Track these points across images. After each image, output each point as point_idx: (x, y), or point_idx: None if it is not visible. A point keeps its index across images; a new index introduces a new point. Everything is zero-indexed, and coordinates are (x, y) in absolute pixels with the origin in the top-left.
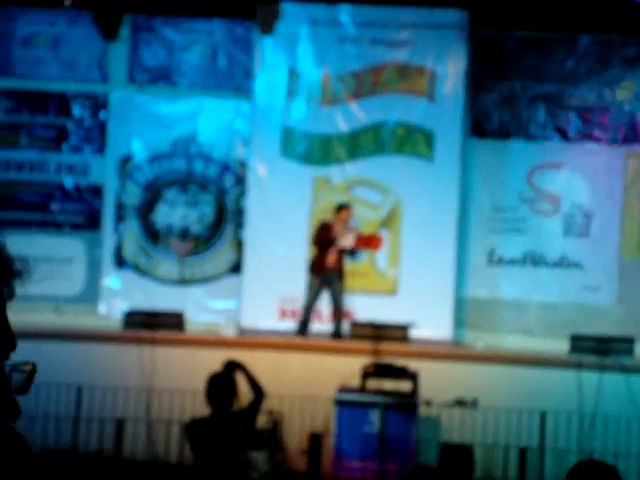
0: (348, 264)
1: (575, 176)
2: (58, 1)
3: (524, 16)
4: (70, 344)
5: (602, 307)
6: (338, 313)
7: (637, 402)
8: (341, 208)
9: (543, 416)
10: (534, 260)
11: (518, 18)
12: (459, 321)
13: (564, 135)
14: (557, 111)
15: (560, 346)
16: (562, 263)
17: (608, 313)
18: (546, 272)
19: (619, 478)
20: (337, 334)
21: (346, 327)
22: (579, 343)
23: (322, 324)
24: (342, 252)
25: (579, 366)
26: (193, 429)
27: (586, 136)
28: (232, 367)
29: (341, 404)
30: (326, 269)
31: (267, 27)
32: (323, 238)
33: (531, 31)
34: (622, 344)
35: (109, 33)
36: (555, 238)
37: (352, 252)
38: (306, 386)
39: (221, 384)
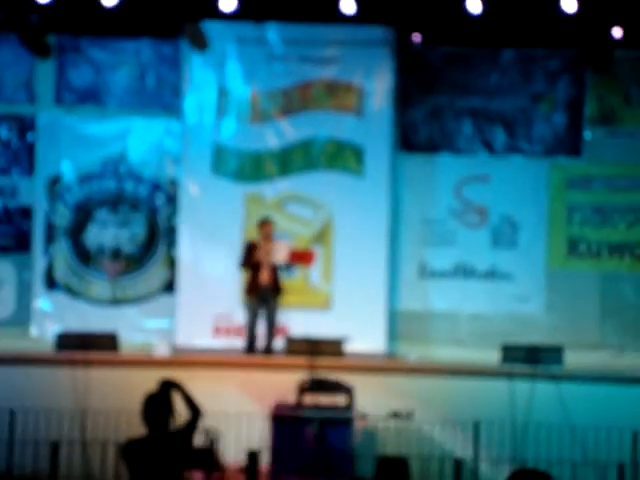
0: (282, 280)
1: (502, 188)
2: None
3: (449, 32)
4: (2, 367)
5: (531, 317)
6: (271, 330)
7: (568, 410)
8: (263, 223)
9: (477, 426)
10: (464, 272)
11: (443, 34)
12: (392, 334)
13: (490, 148)
14: (483, 124)
15: (491, 356)
16: (491, 274)
17: (537, 322)
18: (476, 283)
19: None
20: (268, 350)
21: (281, 343)
22: (510, 353)
23: (257, 341)
24: (275, 269)
25: (510, 375)
26: (129, 450)
27: (511, 148)
28: (168, 386)
29: (277, 420)
30: (260, 288)
31: (196, 46)
32: (251, 258)
33: (456, 46)
34: (551, 353)
35: (37, 53)
36: (484, 250)
37: (287, 267)
38: (242, 403)
39: (157, 404)
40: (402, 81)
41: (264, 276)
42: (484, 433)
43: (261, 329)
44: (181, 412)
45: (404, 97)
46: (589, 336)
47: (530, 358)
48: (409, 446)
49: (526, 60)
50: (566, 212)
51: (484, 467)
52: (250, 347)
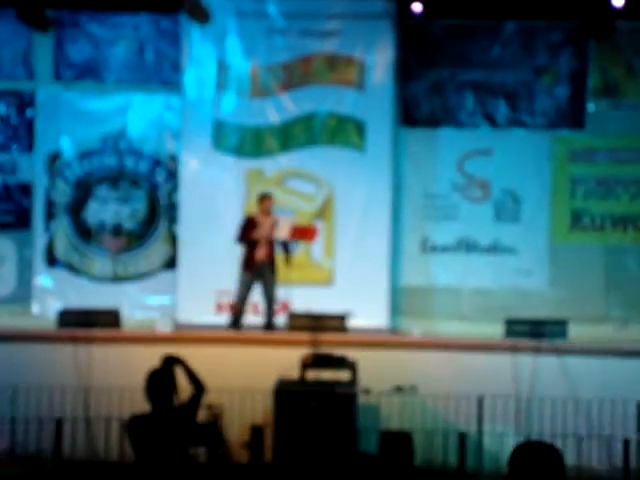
0: (283, 256)
1: (504, 162)
2: None
3: (450, 4)
4: (4, 345)
5: (535, 291)
6: (270, 305)
7: (572, 383)
8: (262, 198)
9: (480, 400)
10: (467, 246)
11: (444, 6)
12: (395, 309)
13: (493, 121)
14: (485, 98)
15: (495, 330)
16: (494, 248)
17: (541, 296)
18: (479, 258)
19: (559, 456)
20: (269, 326)
21: (283, 319)
22: (513, 327)
23: (258, 317)
24: (272, 244)
25: (514, 349)
26: (133, 426)
27: (514, 122)
28: (171, 362)
29: (281, 396)
30: (257, 263)
31: (195, 19)
32: (249, 233)
33: (457, 19)
34: (555, 326)
35: (36, 26)
36: (487, 224)
37: (285, 245)
38: (246, 379)
39: (160, 380)
40: (403, 54)
41: (261, 251)
42: (488, 407)
43: (262, 305)
44: (184, 388)
45: (405, 71)
46: (593, 309)
47: (534, 332)
48: (413, 421)
49: (528, 32)
50: (569, 185)
51: (488, 441)
52: (236, 322)
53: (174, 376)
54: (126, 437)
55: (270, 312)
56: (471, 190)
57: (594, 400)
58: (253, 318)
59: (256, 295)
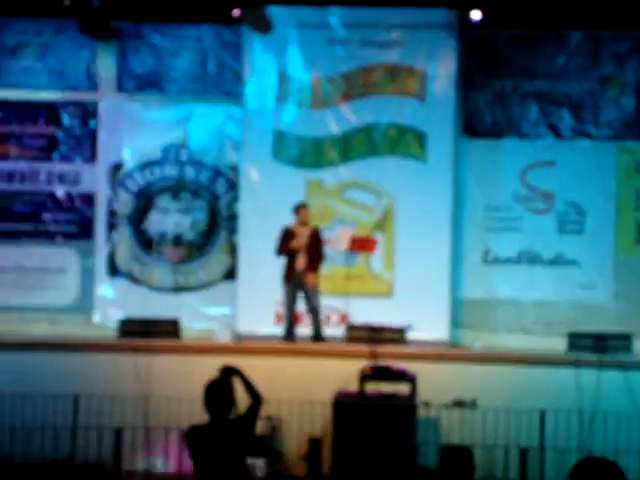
0: (343, 267)
1: (568, 173)
2: (45, 10)
3: (513, 14)
4: (65, 354)
5: (598, 304)
6: (315, 316)
7: (636, 398)
8: (299, 208)
9: (542, 415)
10: (529, 258)
11: (507, 16)
12: (456, 322)
13: (556, 132)
14: (549, 108)
15: (557, 344)
16: (557, 261)
17: (605, 310)
18: (541, 270)
19: (621, 473)
20: (317, 336)
21: (342, 330)
22: (576, 341)
23: (307, 328)
24: (312, 254)
25: (577, 364)
26: (192, 436)
27: (579, 133)
28: (229, 373)
29: (340, 408)
30: (296, 274)
31: (257, 31)
32: (287, 244)
33: (521, 29)
34: (620, 341)
35: (99, 37)
36: (550, 236)
37: (348, 254)
38: (304, 391)
39: (218, 390)
40: (465, 65)
41: (300, 261)
42: (550, 422)
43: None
44: (243, 398)
45: (467, 81)
46: None
47: (597, 346)
48: (473, 435)
49: (593, 42)
50: (634, 197)
51: (550, 456)
52: (288, 333)
53: (232, 387)
54: (185, 447)
55: (316, 323)
56: (534, 202)
57: None
58: (307, 329)
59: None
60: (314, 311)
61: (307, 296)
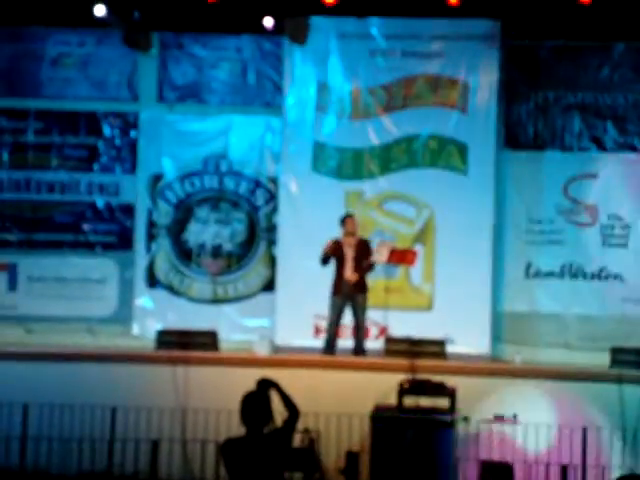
0: (382, 280)
1: (612, 186)
2: (87, 21)
3: (557, 25)
4: (104, 365)
5: None
6: (359, 329)
7: None
8: (345, 219)
9: (584, 432)
10: (572, 272)
11: (551, 27)
12: (497, 336)
13: (600, 145)
14: (593, 120)
15: (600, 359)
16: (601, 275)
17: None
18: (584, 284)
19: None
20: (359, 350)
21: (381, 343)
22: (620, 356)
23: (350, 341)
24: (361, 266)
25: (620, 380)
26: (228, 449)
27: (623, 145)
28: (266, 385)
29: (378, 422)
30: (345, 286)
31: (297, 41)
32: (331, 254)
33: (564, 40)
34: None
35: (138, 51)
36: (593, 249)
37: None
38: (342, 404)
39: (255, 403)
40: (508, 76)
41: (348, 272)
42: (592, 439)
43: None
44: (280, 412)
45: (509, 92)
46: None
47: None
48: (514, 451)
49: (638, 53)
50: None
51: (592, 473)
52: (329, 346)
53: (269, 400)
54: (221, 460)
55: (360, 336)
56: (577, 215)
57: None
58: (346, 342)
59: (348, 318)
60: (361, 326)
61: (356, 308)
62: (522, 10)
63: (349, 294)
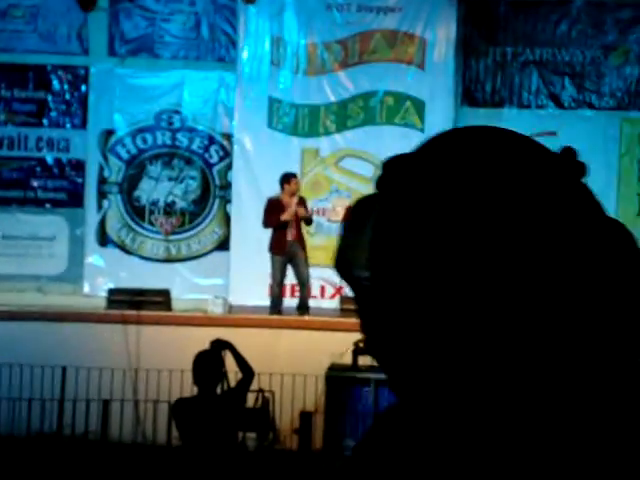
0: (330, 239)
1: (570, 143)
2: None
3: None
4: (54, 324)
5: None
6: (303, 286)
7: None
8: (289, 178)
9: None
10: None
11: None
12: None
13: (558, 102)
14: (551, 77)
15: None
16: None
17: None
18: None
19: None
20: (303, 308)
21: (336, 303)
22: None
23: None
24: (299, 224)
25: None
26: (180, 408)
27: (581, 102)
28: (220, 346)
29: (332, 381)
30: (287, 245)
31: None
32: (276, 216)
33: None
34: None
35: (88, 3)
36: None
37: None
38: (297, 364)
39: (208, 363)
40: (466, 31)
41: (290, 232)
42: None
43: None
44: (233, 372)
45: (467, 48)
46: None
47: None
48: None
49: (596, 9)
50: (637, 168)
51: None
52: (276, 306)
53: (223, 360)
54: (173, 420)
55: (305, 293)
56: None
57: None
58: (293, 302)
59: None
60: (305, 283)
61: (299, 267)
62: None
63: (291, 253)
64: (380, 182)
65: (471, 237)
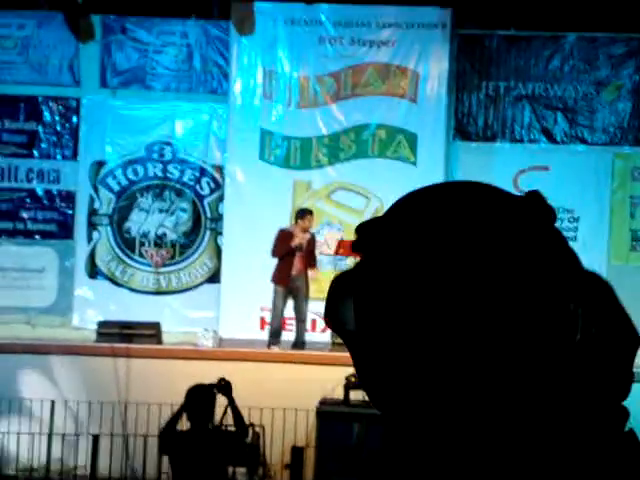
0: (331, 271)
1: (562, 179)
2: (28, 3)
3: (508, 14)
4: (43, 357)
5: None
6: (299, 323)
7: None
8: (304, 213)
9: None
10: None
11: (502, 16)
12: None
13: (550, 137)
14: (543, 112)
15: None
16: None
17: None
18: None
19: None
20: (299, 344)
21: (327, 337)
22: None
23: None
24: (307, 259)
25: None
26: (171, 441)
27: (573, 137)
28: (220, 387)
29: (323, 416)
30: (292, 278)
31: (244, 27)
32: (284, 247)
33: (515, 29)
34: None
35: (80, 35)
36: None
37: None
38: (288, 398)
39: (204, 398)
40: (458, 65)
41: (297, 266)
42: None
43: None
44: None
45: (460, 82)
46: None
47: None
48: None
49: (589, 45)
50: (629, 204)
51: None
52: (276, 337)
53: (215, 397)
54: (160, 448)
55: (302, 329)
56: None
57: None
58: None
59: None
60: (303, 319)
61: (299, 303)
62: None
63: (294, 286)
64: (355, 246)
65: (440, 293)
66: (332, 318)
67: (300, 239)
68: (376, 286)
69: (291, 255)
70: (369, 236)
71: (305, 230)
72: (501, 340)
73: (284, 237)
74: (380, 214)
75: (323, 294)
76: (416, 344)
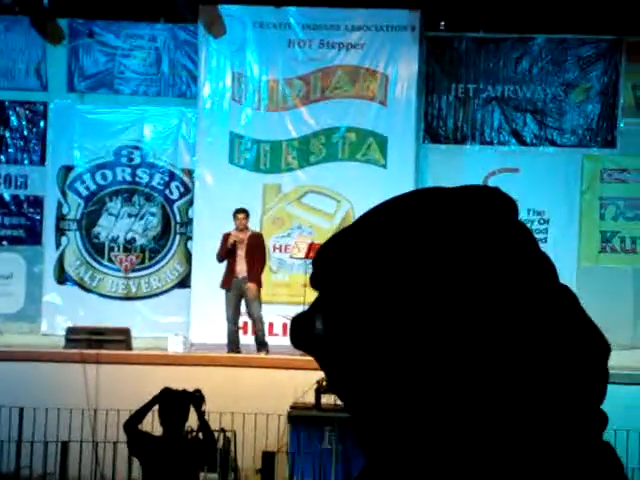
0: (302, 275)
1: (532, 181)
2: None
3: (477, 16)
4: (10, 364)
5: None
6: (255, 323)
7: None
8: (236, 212)
9: None
10: None
11: (471, 18)
12: None
13: (520, 139)
14: (512, 114)
15: None
16: None
17: None
18: None
19: None
20: (260, 345)
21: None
22: None
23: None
24: (253, 260)
25: None
26: (143, 444)
27: (542, 139)
28: (194, 398)
29: (295, 420)
30: (236, 280)
31: (213, 30)
32: (223, 249)
33: (484, 32)
34: None
35: (48, 38)
36: None
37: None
38: (259, 403)
39: (179, 404)
40: (428, 68)
41: (239, 267)
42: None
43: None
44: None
45: (429, 85)
46: (622, 336)
47: None
48: None
49: (558, 47)
50: (599, 206)
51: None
52: (232, 344)
53: (189, 405)
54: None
55: (257, 331)
56: None
57: (620, 429)
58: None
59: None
60: (256, 320)
61: (248, 303)
62: (442, 1)
63: (239, 289)
64: (315, 261)
65: (404, 302)
66: (301, 328)
67: (233, 237)
68: (345, 310)
69: (232, 257)
70: (331, 253)
71: (241, 229)
72: (471, 341)
73: (224, 240)
74: (350, 218)
75: (295, 298)
76: (387, 351)
